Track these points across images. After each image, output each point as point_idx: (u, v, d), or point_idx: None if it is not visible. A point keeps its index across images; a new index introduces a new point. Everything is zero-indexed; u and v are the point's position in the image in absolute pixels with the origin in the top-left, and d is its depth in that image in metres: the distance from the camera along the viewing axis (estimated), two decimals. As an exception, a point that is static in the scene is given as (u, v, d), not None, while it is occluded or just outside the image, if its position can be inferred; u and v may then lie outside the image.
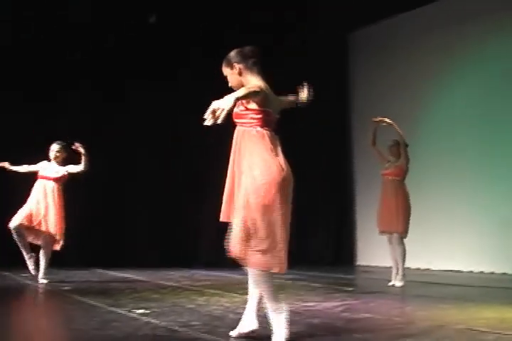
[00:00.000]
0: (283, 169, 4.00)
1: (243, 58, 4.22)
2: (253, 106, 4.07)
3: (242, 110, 4.11)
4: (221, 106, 3.66)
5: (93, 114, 11.46)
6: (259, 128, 4.06)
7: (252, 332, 4.21)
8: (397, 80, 11.76)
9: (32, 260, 7.80)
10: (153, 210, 11.70)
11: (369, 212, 9.57)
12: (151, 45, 11.74)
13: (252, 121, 4.08)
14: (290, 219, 4.06)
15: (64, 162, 8.14)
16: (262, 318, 4.14)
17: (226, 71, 4.27)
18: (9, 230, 7.80)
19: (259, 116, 4.07)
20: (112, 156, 11.19)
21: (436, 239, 10.56)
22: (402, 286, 7.82)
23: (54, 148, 8.13)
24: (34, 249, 7.92)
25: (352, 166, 12.71)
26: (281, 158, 4.04)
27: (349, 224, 12.59)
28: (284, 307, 3.98)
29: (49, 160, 8.15)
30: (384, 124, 7.96)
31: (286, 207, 4.01)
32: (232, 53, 4.25)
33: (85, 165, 8.02)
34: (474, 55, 10.59)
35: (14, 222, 7.79)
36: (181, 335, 4.30)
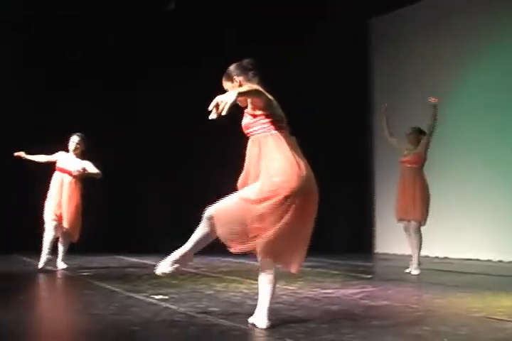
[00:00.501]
0: (302, 174, 3.92)
1: (243, 71, 4.22)
2: (259, 112, 4.06)
3: (251, 119, 4.11)
4: (224, 99, 3.66)
5: (93, 114, 11.48)
6: (273, 131, 4.04)
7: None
8: (417, 70, 11.67)
9: (46, 259, 7.73)
10: (174, 197, 11.72)
11: (388, 199, 9.54)
12: (151, 45, 11.74)
13: (264, 126, 4.05)
14: (310, 229, 4.06)
15: (82, 154, 8.11)
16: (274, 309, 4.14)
17: (227, 85, 4.25)
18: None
19: (269, 119, 4.05)
20: (126, 146, 11.36)
21: (455, 227, 10.50)
22: (418, 274, 7.80)
23: (74, 139, 8.06)
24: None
25: (371, 154, 12.66)
26: (300, 161, 3.98)
27: (368, 212, 12.58)
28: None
29: (67, 151, 8.12)
30: (430, 104, 7.84)
31: (300, 219, 3.97)
32: (232, 67, 4.25)
33: (98, 175, 8.04)
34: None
35: (49, 217, 7.83)
36: (199, 321, 4.32)
